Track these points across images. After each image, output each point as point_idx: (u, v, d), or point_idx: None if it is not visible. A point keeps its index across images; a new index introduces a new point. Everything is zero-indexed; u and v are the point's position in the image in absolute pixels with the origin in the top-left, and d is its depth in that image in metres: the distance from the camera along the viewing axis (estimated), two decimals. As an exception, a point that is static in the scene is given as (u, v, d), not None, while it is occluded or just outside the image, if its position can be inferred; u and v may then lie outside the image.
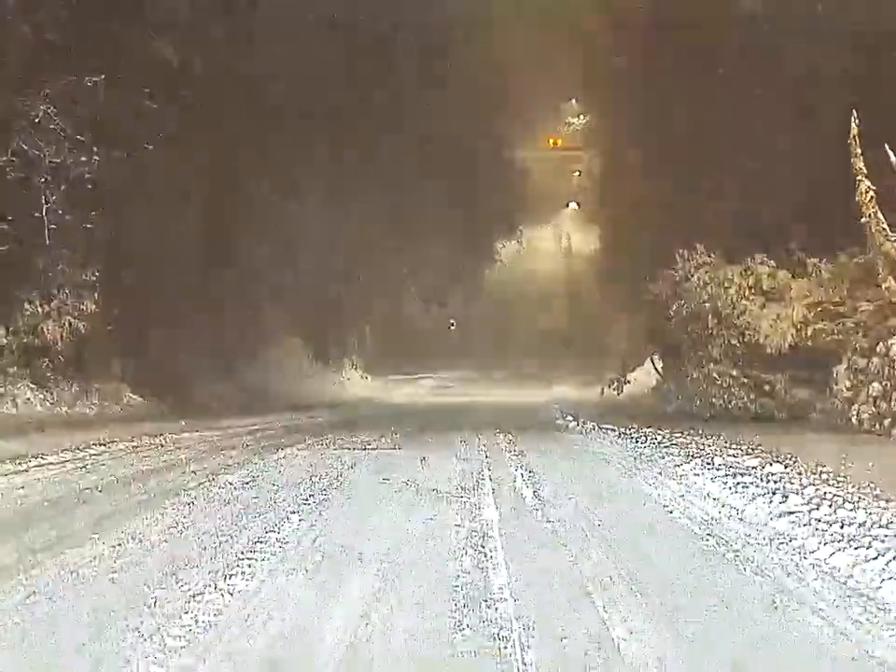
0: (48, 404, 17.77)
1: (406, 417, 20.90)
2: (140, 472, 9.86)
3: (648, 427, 15.15)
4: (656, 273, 21.39)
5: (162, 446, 12.72)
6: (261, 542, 6.30)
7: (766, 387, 17.59)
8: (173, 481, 9.19)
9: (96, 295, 18.50)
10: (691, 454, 11.22)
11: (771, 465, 9.80)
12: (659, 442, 12.88)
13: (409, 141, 38.24)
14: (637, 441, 13.33)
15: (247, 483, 9.04)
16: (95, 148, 17.71)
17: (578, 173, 61.43)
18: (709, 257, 18.93)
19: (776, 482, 8.69)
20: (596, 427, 16.42)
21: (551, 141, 68.05)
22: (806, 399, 17.14)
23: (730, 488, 8.58)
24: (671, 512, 7.79)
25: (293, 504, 7.81)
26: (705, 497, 8.43)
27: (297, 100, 29.31)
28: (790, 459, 10.20)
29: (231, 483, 9.00)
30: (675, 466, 10.40)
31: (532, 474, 9.99)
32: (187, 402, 21.76)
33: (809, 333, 16.56)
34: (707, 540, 6.57)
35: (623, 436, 14.28)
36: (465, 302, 44.19)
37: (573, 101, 68.36)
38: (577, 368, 38.51)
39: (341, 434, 14.72)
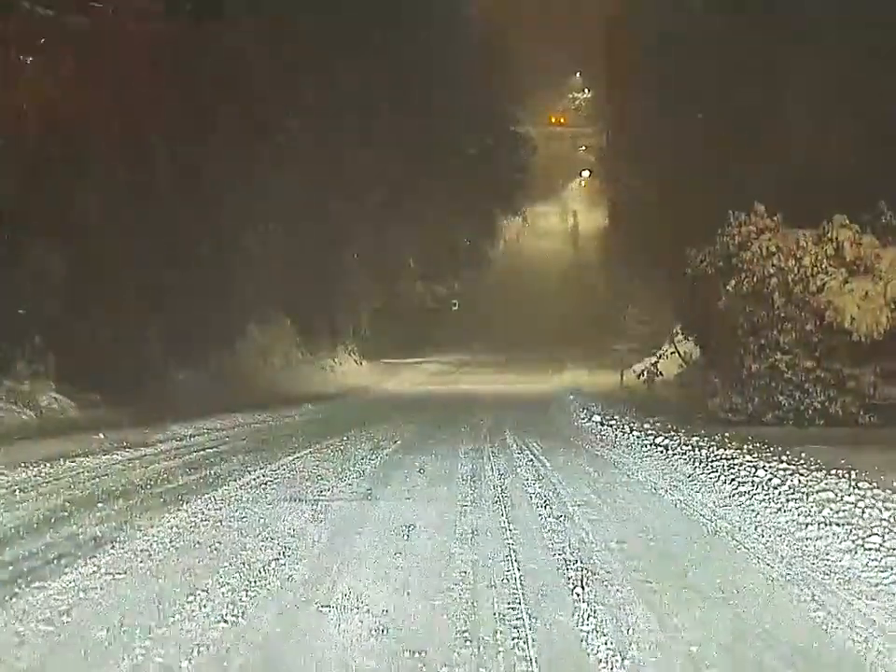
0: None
1: (399, 416, 16.75)
2: None
3: (717, 443, 10.99)
4: (687, 246, 17.46)
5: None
6: None
7: (851, 384, 13.43)
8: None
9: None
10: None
11: None
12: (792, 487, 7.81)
13: (410, 113, 34.19)
14: (737, 476, 8.84)
15: None
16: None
17: (584, 148, 57.25)
18: (771, 220, 14.73)
19: None
20: (641, 437, 12.22)
21: (553, 119, 63.91)
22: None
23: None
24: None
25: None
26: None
27: (293, 63, 25.49)
28: None
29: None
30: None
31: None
32: (139, 400, 17.60)
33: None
34: None
35: (693, 459, 9.86)
36: (468, 282, 39.98)
37: (577, 74, 64.26)
38: (587, 351, 34.43)
39: (302, 455, 10.54)
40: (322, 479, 8.43)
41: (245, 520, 6.51)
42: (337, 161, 29.21)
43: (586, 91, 61.96)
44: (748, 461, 8.86)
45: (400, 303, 34.03)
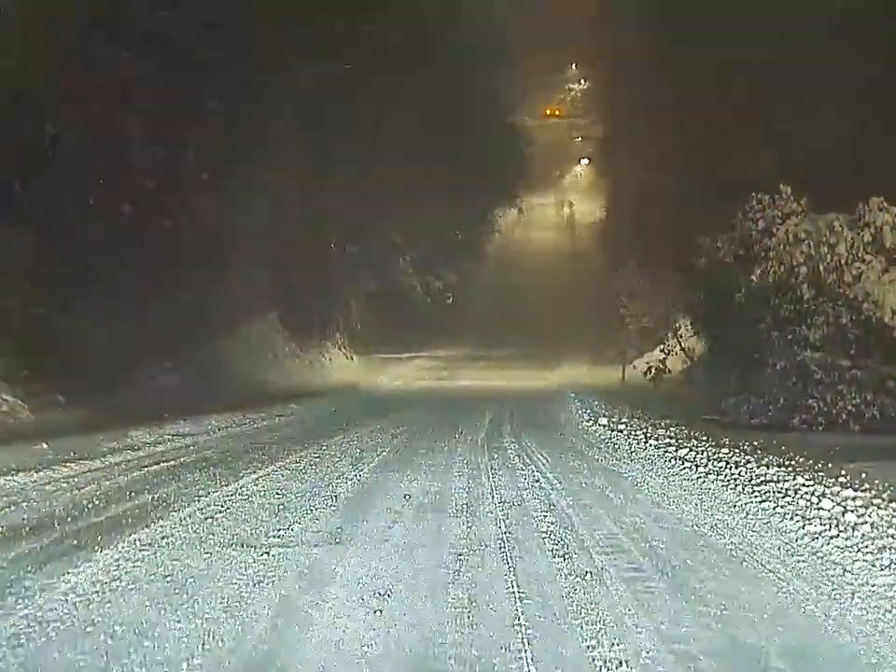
0: None
1: (388, 419, 15.05)
2: None
3: (750, 455, 9.33)
4: (691, 235, 15.89)
5: None
6: None
7: (890, 384, 11.78)
8: None
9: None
10: None
11: None
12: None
13: (404, 104, 32.45)
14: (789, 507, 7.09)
15: None
16: None
17: (580, 138, 55.42)
18: (798, 203, 13.07)
19: None
20: (659, 448, 10.54)
21: (549, 111, 62.06)
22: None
23: None
24: None
25: None
26: None
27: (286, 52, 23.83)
28: None
29: None
30: None
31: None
32: (110, 400, 15.92)
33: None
34: None
35: (730, 479, 8.04)
36: (463, 275, 38.24)
37: (573, 66, 62.37)
38: (584, 346, 32.74)
39: (270, 472, 8.84)
40: (285, 509, 6.74)
41: (167, 580, 4.81)
42: (328, 152, 27.50)
43: (582, 81, 60.13)
44: (801, 484, 7.19)
45: (393, 296, 32.29)
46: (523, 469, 8.88)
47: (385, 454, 10.26)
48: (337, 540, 5.72)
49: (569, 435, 12.52)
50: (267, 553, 5.35)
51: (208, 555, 5.30)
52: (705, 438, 11.28)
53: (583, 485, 7.89)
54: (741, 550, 5.46)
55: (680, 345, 24.54)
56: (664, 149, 28.36)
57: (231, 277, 23.22)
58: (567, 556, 5.28)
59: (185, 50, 19.99)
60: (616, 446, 10.92)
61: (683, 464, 8.85)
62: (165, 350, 20.34)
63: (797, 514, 6.23)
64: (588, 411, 16.62)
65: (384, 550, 5.45)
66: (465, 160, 36.81)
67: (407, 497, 7.27)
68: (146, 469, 8.95)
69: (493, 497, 7.31)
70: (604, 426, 13.57)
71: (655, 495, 7.42)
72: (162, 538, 5.74)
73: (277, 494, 7.41)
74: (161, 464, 9.38)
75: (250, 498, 7.21)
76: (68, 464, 9.13)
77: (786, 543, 5.62)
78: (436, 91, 34.91)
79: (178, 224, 20.79)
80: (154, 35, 19.18)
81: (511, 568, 5.01)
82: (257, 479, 8.26)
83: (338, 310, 29.16)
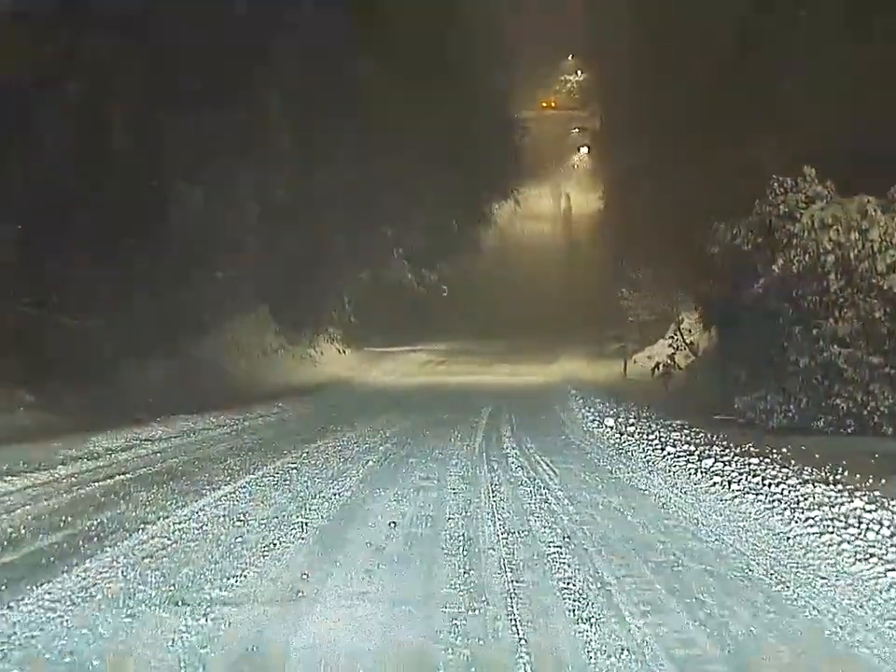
0: None
1: (378, 420, 13.74)
2: None
3: (787, 467, 8.05)
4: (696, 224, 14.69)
5: None
6: None
7: (929, 383, 10.54)
8: None
9: None
10: None
11: None
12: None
13: (397, 92, 31.07)
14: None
15: None
16: None
17: (577, 129, 54.06)
18: (823, 186, 11.78)
19: None
20: (681, 457, 9.24)
21: (545, 103, 60.70)
22: None
23: None
24: None
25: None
26: None
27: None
28: None
29: None
30: None
31: None
32: (84, 399, 14.64)
33: None
34: None
35: (775, 501, 6.66)
36: (458, 267, 36.86)
37: (570, 57, 60.92)
38: (582, 340, 31.48)
39: (235, 490, 7.55)
40: (243, 544, 5.44)
41: (66, 660, 3.53)
42: (319, 141, 26.14)
43: (578, 73, 58.72)
44: (861, 509, 5.93)
45: (387, 289, 30.93)
46: (527, 485, 7.60)
47: (371, 464, 8.98)
48: (299, 594, 4.43)
49: (575, 439, 11.24)
50: (206, 615, 4.07)
51: (129, 619, 4.01)
52: (725, 442, 10.02)
53: (600, 507, 6.62)
54: (815, 609, 4.17)
55: (684, 339, 23.35)
56: (664, 138, 27.07)
57: (218, 270, 21.87)
58: (593, 621, 3.99)
59: (168, 31, 18.72)
60: (629, 453, 9.63)
61: (711, 479, 7.57)
62: (148, 346, 19.03)
63: (870, 554, 4.95)
64: (591, 409, 15.37)
65: (356, 611, 4.16)
66: (460, 150, 35.49)
67: (393, 524, 5.99)
68: (96, 485, 7.65)
69: (495, 524, 6.03)
70: (611, 427, 12.30)
71: (688, 522, 6.14)
72: (78, 590, 4.45)
73: (239, 521, 6.12)
74: (117, 477, 8.08)
75: (204, 528, 5.92)
76: (8, 478, 7.84)
77: (868, 599, 4.34)
78: (430, 82, 33.60)
79: (162, 214, 19.49)
80: (132, 17, 17.88)
81: (523, 642, 3.73)
82: (220, 498, 6.97)
83: (330, 303, 27.80)
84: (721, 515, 6.34)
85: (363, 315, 29.46)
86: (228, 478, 7.93)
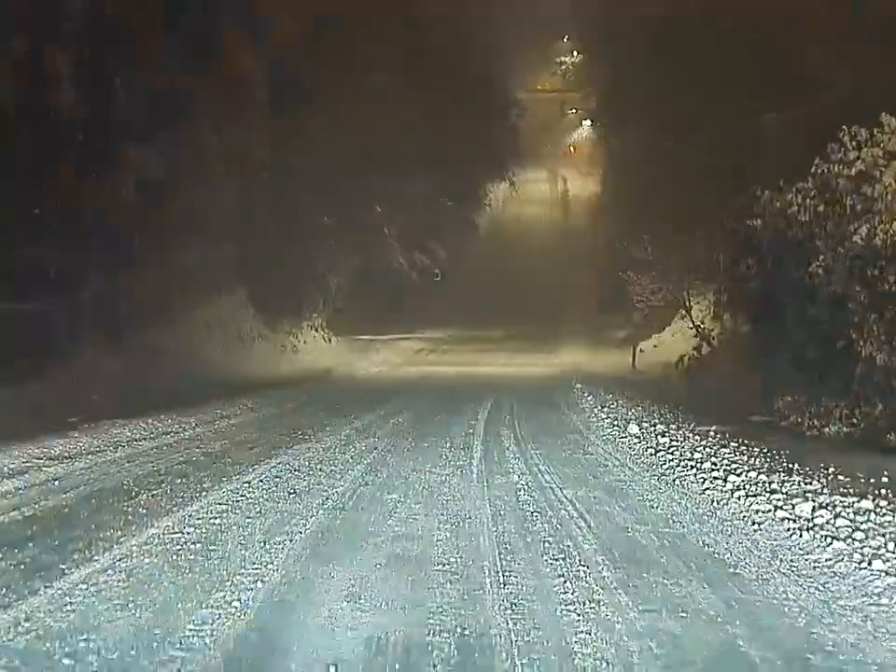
0: None
1: (357, 423, 11.31)
2: None
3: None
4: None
5: None
6: None
7: None
8: None
9: None
10: None
11: None
12: None
13: (391, 72, 28.57)
14: None
15: None
16: None
17: (574, 111, 51.49)
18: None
19: None
20: (738, 485, 6.82)
21: (540, 85, 58.11)
22: None
23: None
24: None
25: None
26: None
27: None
28: None
29: None
30: None
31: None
32: (21, 395, 12.27)
33: None
34: None
35: None
36: (452, 251, 34.38)
37: (565, 39, 58.21)
38: (582, 327, 29.13)
39: (160, 534, 5.13)
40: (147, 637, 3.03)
41: None
42: (303, 108, 23.63)
43: (574, 53, 56.04)
44: None
45: (377, 273, 28.45)
46: (542, 524, 5.30)
47: (341, 489, 6.60)
48: None
49: (599, 456, 8.81)
50: None
51: None
52: (798, 464, 7.63)
53: (653, 583, 4.22)
54: None
55: (698, 329, 21.06)
56: (666, 112, 24.65)
57: (189, 249, 19.37)
58: None
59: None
60: (680, 485, 7.16)
61: (828, 542, 5.09)
62: (102, 333, 16.60)
63: None
64: (605, 410, 12.99)
65: None
66: (453, 128, 33.01)
67: (349, 600, 3.57)
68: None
69: (501, 604, 3.62)
70: (638, 438, 9.89)
71: (810, 623, 3.73)
72: None
73: (150, 594, 3.71)
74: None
75: (94, 613, 3.50)
76: None
77: None
78: (424, 61, 31.14)
79: (122, 185, 17.01)
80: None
81: None
82: (104, 571, 4.53)
83: (315, 287, 25.31)
84: (842, 604, 3.94)
85: (351, 301, 26.99)
86: (134, 526, 5.49)
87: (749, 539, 5.29)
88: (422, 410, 13.06)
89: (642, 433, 10.14)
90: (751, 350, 14.03)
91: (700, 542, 5.24)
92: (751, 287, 12.03)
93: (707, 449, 8.61)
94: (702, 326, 20.16)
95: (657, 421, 11.39)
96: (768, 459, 7.97)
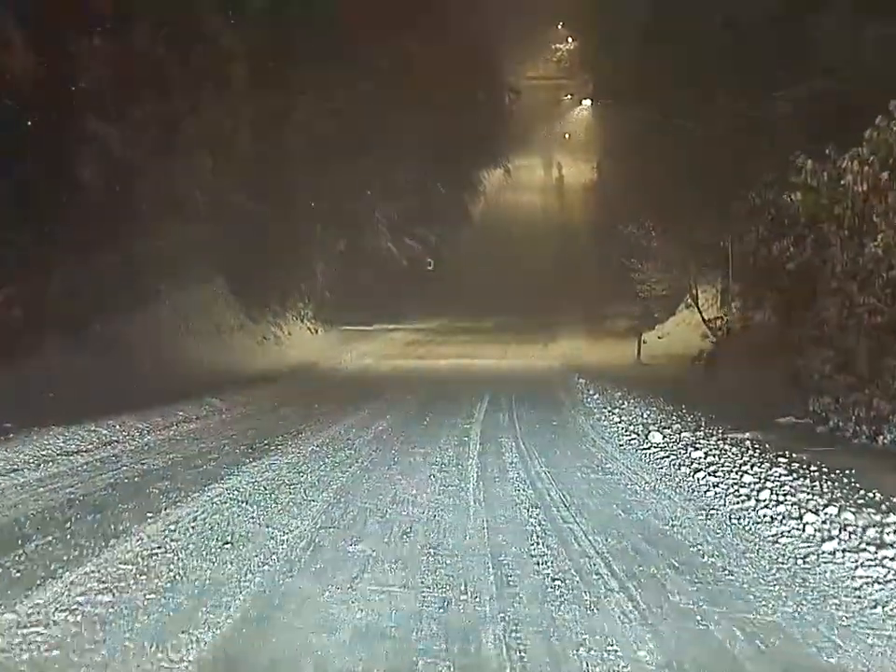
0: None
1: (336, 426, 9.55)
2: None
3: None
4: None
5: None
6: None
7: None
8: None
9: None
10: None
11: None
12: None
13: (384, 56, 26.73)
14: None
15: None
16: None
17: (569, 96, 49.65)
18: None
19: None
20: (809, 523, 5.09)
21: (531, 73, 56.22)
22: None
23: None
24: None
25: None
26: None
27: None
28: None
29: None
30: None
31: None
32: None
33: None
34: None
35: None
36: (445, 238, 32.54)
37: (559, 25, 56.30)
38: (579, 317, 27.39)
39: (46, 603, 3.38)
40: None
41: None
42: (289, 82, 21.79)
43: (569, 40, 54.15)
44: None
45: (367, 260, 26.61)
46: (569, 609, 3.51)
47: (295, 534, 4.84)
48: None
49: (618, 472, 7.06)
50: None
51: None
52: (870, 492, 5.91)
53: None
54: None
55: (703, 319, 19.40)
56: (665, 94, 22.85)
57: (162, 234, 17.53)
58: None
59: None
60: (725, 517, 5.41)
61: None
62: (67, 324, 14.78)
63: None
64: (617, 410, 11.28)
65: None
66: (447, 115, 31.20)
67: None
68: None
69: None
70: (662, 447, 8.17)
71: None
72: None
73: None
74: None
75: None
76: None
77: None
78: (417, 45, 29.32)
79: (82, 162, 15.17)
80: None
81: None
82: None
83: (300, 275, 23.48)
84: None
85: (339, 290, 25.19)
86: (23, 587, 3.74)
87: (811, 591, 3.56)
88: (410, 412, 11.31)
89: (667, 443, 8.42)
90: (779, 343, 12.29)
91: (816, 648, 3.46)
92: (789, 270, 10.24)
93: (755, 468, 6.87)
94: (722, 316, 18.52)
95: (679, 426, 9.67)
96: (837, 484, 6.24)
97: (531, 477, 6.82)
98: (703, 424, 9.85)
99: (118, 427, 9.51)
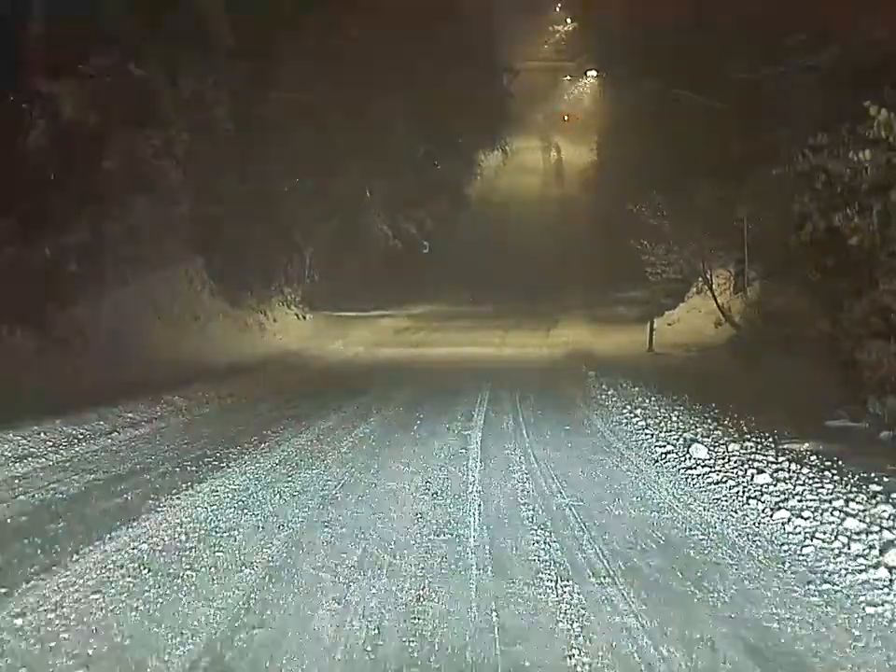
0: None
1: (309, 431, 7.71)
2: None
3: None
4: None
5: None
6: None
7: None
8: None
9: None
10: None
11: None
12: None
13: (378, 39, 24.70)
14: None
15: None
16: None
17: (568, 77, 47.56)
18: None
19: None
20: None
21: (531, 58, 54.05)
22: None
23: None
24: None
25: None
26: None
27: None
28: None
29: None
30: None
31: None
32: None
33: None
34: None
35: None
36: (440, 220, 30.55)
37: (557, 8, 54.13)
38: (582, 302, 25.55)
39: None
40: None
41: None
42: (275, 51, 19.77)
43: (568, 21, 51.98)
44: None
45: (357, 241, 24.67)
46: None
47: (209, 638, 2.99)
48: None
49: (664, 505, 5.25)
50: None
51: None
52: None
53: None
54: None
55: (719, 306, 17.63)
56: (667, 71, 20.95)
57: (131, 210, 15.62)
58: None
59: None
60: (839, 595, 3.62)
61: None
62: (24, 312, 12.87)
63: None
64: (639, 410, 9.47)
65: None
66: (444, 95, 29.20)
67: None
68: None
69: None
70: (710, 466, 6.34)
71: None
72: None
73: None
74: None
75: None
76: None
77: None
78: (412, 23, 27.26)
79: (29, 127, 13.24)
80: None
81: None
82: None
83: (286, 257, 21.55)
84: None
85: (328, 273, 23.25)
86: None
87: None
88: (399, 410, 9.49)
89: (715, 459, 6.59)
90: (819, 332, 10.48)
91: None
92: (849, 246, 8.39)
93: (852, 503, 5.03)
94: (742, 301, 16.73)
95: (720, 433, 7.87)
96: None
97: (552, 516, 4.98)
98: (746, 430, 8.04)
99: (43, 434, 7.68)
